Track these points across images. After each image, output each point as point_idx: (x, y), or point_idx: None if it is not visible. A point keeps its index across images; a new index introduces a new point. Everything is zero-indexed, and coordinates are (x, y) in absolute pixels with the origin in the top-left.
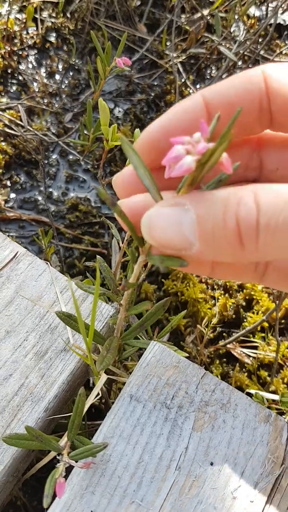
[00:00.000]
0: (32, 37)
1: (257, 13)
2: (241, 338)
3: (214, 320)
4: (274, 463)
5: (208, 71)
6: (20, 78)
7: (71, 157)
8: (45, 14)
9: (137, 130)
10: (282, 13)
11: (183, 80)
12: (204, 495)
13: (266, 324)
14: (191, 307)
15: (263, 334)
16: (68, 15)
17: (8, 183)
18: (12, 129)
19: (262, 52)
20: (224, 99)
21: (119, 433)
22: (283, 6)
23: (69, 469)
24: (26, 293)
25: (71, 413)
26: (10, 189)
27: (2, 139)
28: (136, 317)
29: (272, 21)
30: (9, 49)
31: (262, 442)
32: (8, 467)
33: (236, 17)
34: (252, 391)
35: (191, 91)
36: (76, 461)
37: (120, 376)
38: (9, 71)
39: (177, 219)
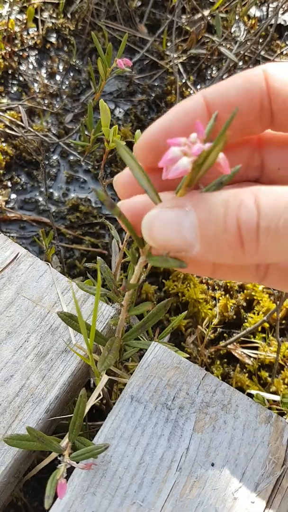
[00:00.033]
0: (32, 38)
1: (258, 14)
2: (242, 338)
3: (215, 321)
4: (275, 464)
5: (209, 72)
6: (21, 79)
7: (71, 157)
8: (45, 14)
9: (137, 131)
10: (283, 13)
11: (183, 81)
12: (205, 496)
13: (266, 325)
14: (191, 308)
15: (263, 335)
16: (69, 15)
17: (9, 183)
18: (12, 130)
19: (262, 53)
20: (225, 99)
21: (120, 434)
22: (283, 6)
23: (70, 470)
24: (27, 294)
25: (72, 414)
26: (10, 189)
27: (3, 139)
28: (136, 318)
29: (272, 21)
30: (9, 49)
31: (263, 443)
32: (9, 468)
33: (237, 17)
34: (253, 392)
35: (191, 91)
36: (77, 462)
37: (121, 376)
38: (10, 71)
39: (178, 221)
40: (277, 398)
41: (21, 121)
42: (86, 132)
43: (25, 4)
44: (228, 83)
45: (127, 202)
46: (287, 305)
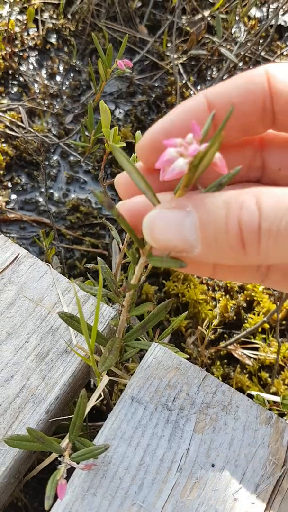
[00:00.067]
0: (33, 39)
1: (258, 15)
2: (242, 339)
3: (215, 322)
4: (275, 465)
5: (209, 73)
6: (21, 79)
7: (72, 158)
8: (46, 15)
9: (138, 132)
10: (283, 14)
11: (184, 82)
12: (205, 497)
13: (267, 326)
14: (192, 309)
15: (264, 336)
16: (69, 16)
17: (9, 184)
18: (13, 130)
19: (263, 54)
20: (227, 100)
21: (120, 435)
22: (283, 7)
23: (70, 471)
24: (27, 295)
25: (72, 415)
26: (11, 190)
27: (3, 140)
28: (137, 319)
29: (273, 22)
30: (10, 50)
31: (263, 444)
32: (10, 469)
33: (237, 18)
34: (253, 393)
35: (192, 92)
36: (78, 463)
37: (121, 377)
38: (10, 72)
39: (179, 222)
40: (277, 399)
41: (22, 121)
42: (86, 133)
43: (25, 5)
44: (230, 83)
45: (128, 203)
46: (287, 305)
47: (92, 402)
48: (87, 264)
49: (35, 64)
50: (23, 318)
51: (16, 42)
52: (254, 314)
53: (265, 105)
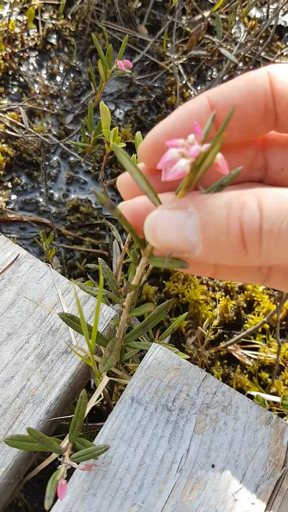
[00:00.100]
0: (33, 39)
1: (258, 15)
2: (242, 339)
3: (215, 322)
4: (275, 465)
5: (209, 73)
6: (21, 80)
7: (72, 158)
8: (46, 15)
9: (138, 133)
10: (283, 14)
11: (184, 82)
12: (205, 497)
13: (267, 326)
14: (192, 309)
15: (264, 336)
16: (69, 16)
17: (9, 184)
18: (13, 131)
19: (263, 54)
20: (229, 101)
21: (120, 435)
22: (283, 7)
23: (70, 471)
24: (27, 296)
25: (73, 415)
26: (11, 190)
27: (3, 140)
28: (137, 319)
29: (273, 22)
30: (10, 51)
31: (263, 444)
32: (10, 469)
33: (237, 18)
34: (253, 393)
35: (192, 92)
36: (78, 463)
37: (121, 378)
38: (10, 73)
39: (180, 222)
40: (277, 399)
41: (22, 122)
42: (86, 133)
43: (25, 5)
44: (232, 84)
45: (129, 203)
46: (287, 306)
47: (92, 402)
48: (87, 264)
49: (35, 65)
50: (23, 319)
51: (16, 42)
52: (254, 314)
53: (267, 106)
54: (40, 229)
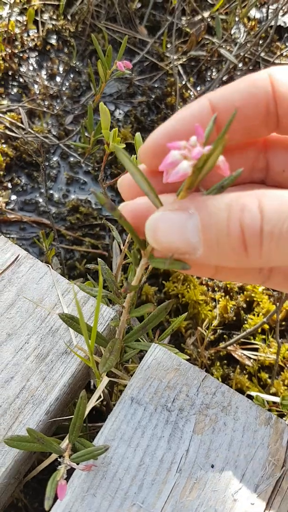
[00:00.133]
0: (33, 40)
1: (258, 15)
2: (242, 340)
3: (215, 322)
4: (275, 466)
5: (209, 73)
6: (21, 80)
7: (72, 159)
8: (46, 16)
9: (137, 133)
10: (283, 15)
11: (183, 82)
12: (205, 498)
13: (266, 326)
14: (191, 309)
15: (263, 336)
16: (69, 17)
17: (9, 185)
18: (13, 131)
19: (262, 54)
20: (230, 103)
21: (120, 435)
22: (283, 8)
23: (70, 472)
24: (27, 296)
25: (72, 415)
26: (11, 191)
27: (3, 141)
28: (137, 319)
29: (272, 23)
30: (10, 51)
31: (262, 444)
32: (10, 469)
33: (237, 19)
34: (253, 394)
35: (191, 93)
36: (77, 464)
37: (121, 378)
38: (10, 73)
39: (181, 224)
40: (277, 399)
41: (21, 122)
42: (86, 134)
43: (25, 6)
44: (233, 87)
45: (129, 204)
46: (287, 306)
47: (92, 403)
48: (87, 265)
49: (35, 65)
50: (23, 319)
51: (16, 43)
52: (253, 314)
53: (268, 108)
54: (40, 230)
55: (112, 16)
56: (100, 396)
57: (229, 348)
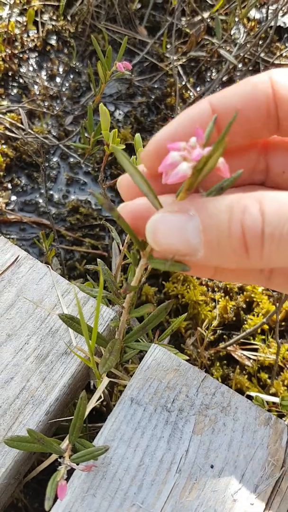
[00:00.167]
0: (32, 40)
1: (257, 16)
2: (242, 340)
3: (215, 323)
4: (274, 466)
5: (209, 74)
6: (21, 81)
7: (71, 159)
8: (45, 17)
9: (137, 134)
10: (283, 15)
11: (183, 83)
12: (204, 498)
13: (266, 327)
14: (191, 310)
15: (263, 337)
16: (69, 18)
17: (9, 185)
18: (13, 132)
19: (262, 55)
20: (230, 106)
21: (120, 436)
22: (283, 8)
23: (70, 472)
24: (27, 297)
25: (72, 416)
26: (11, 191)
27: (3, 142)
28: (136, 320)
29: (272, 23)
30: (9, 52)
31: (262, 445)
32: (10, 470)
33: (236, 19)
34: (253, 394)
35: (191, 93)
36: (77, 464)
37: (121, 378)
38: (10, 74)
39: (182, 225)
40: (276, 400)
41: (21, 123)
42: (86, 135)
43: (25, 7)
44: (234, 90)
45: (129, 205)
46: (287, 307)
47: (92, 404)
48: (87, 265)
49: (35, 66)
50: (23, 320)
51: (16, 43)
52: (253, 315)
53: (269, 111)
54: (40, 230)
55: (112, 16)
56: (100, 397)
57: (228, 348)
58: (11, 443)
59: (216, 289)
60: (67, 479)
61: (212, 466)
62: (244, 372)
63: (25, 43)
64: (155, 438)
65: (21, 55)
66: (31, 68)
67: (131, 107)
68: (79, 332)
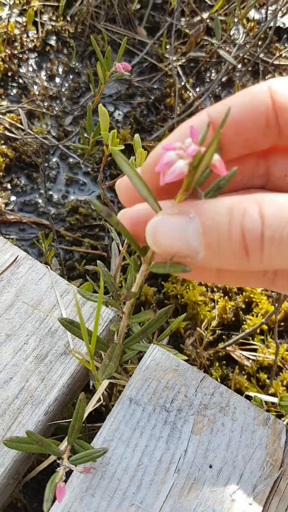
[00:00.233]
0: (32, 40)
1: (257, 16)
2: (241, 340)
3: (214, 323)
4: (273, 466)
5: (208, 74)
6: (21, 81)
7: (71, 160)
8: (45, 17)
9: (136, 135)
10: (282, 16)
11: (182, 83)
12: (203, 498)
13: (265, 327)
14: (190, 310)
15: (262, 337)
16: (68, 18)
17: (9, 186)
18: (12, 132)
19: (261, 55)
20: (230, 117)
21: (118, 436)
22: (282, 9)
23: (69, 472)
24: (26, 297)
25: (72, 416)
26: (10, 192)
27: (2, 142)
28: None
29: (271, 24)
30: (9, 52)
31: (260, 445)
32: (9, 470)
33: (236, 20)
34: (251, 394)
35: (190, 94)
36: (76, 466)
37: (120, 379)
38: (10, 74)
39: (182, 227)
40: (275, 400)
41: (21, 123)
42: (85, 135)
43: (24, 7)
44: (232, 101)
45: (128, 211)
46: (286, 307)
47: (91, 406)
48: (86, 266)
49: (34, 66)
50: (22, 320)
51: (16, 44)
52: (252, 315)
53: (268, 120)
54: (39, 230)
55: (111, 17)
56: (99, 399)
57: (228, 348)
58: (10, 444)
59: (215, 289)
60: (66, 479)
61: (210, 466)
62: (243, 372)
63: (25, 44)
64: (154, 438)
65: (20, 56)
66: (30, 69)
67: (131, 108)
68: (79, 336)
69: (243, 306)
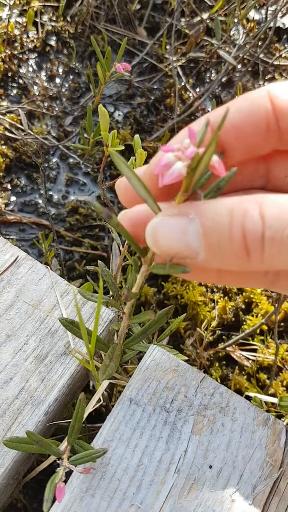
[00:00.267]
0: (32, 41)
1: (257, 17)
2: (241, 341)
3: (214, 323)
4: (272, 466)
5: (208, 75)
6: (21, 81)
7: (71, 160)
8: (45, 17)
9: (136, 135)
10: (282, 16)
11: (182, 84)
12: (203, 498)
13: (265, 327)
14: (190, 310)
15: (262, 337)
16: (68, 18)
17: (9, 186)
18: (12, 132)
19: (261, 56)
20: (230, 123)
21: (118, 436)
22: (282, 9)
23: (69, 473)
24: (26, 297)
25: (72, 416)
26: (10, 192)
27: (2, 142)
28: None
29: (271, 24)
30: (9, 52)
31: (260, 445)
32: (9, 470)
33: (236, 20)
34: (251, 394)
35: (190, 94)
36: (76, 466)
37: (120, 379)
38: (10, 74)
39: (182, 228)
40: (275, 400)
41: (21, 124)
42: (85, 135)
43: (25, 7)
44: (233, 106)
45: (128, 212)
46: (286, 307)
47: (91, 406)
48: (87, 266)
49: (34, 66)
50: (22, 320)
51: (16, 44)
52: (252, 315)
53: (269, 125)
54: (39, 231)
55: (111, 17)
56: (99, 400)
57: (228, 349)
58: (10, 444)
59: (215, 289)
60: (66, 480)
61: (210, 467)
62: (243, 372)
63: (25, 44)
64: (153, 439)
65: (20, 56)
66: (30, 69)
67: (131, 108)
68: (79, 336)
69: (243, 306)
